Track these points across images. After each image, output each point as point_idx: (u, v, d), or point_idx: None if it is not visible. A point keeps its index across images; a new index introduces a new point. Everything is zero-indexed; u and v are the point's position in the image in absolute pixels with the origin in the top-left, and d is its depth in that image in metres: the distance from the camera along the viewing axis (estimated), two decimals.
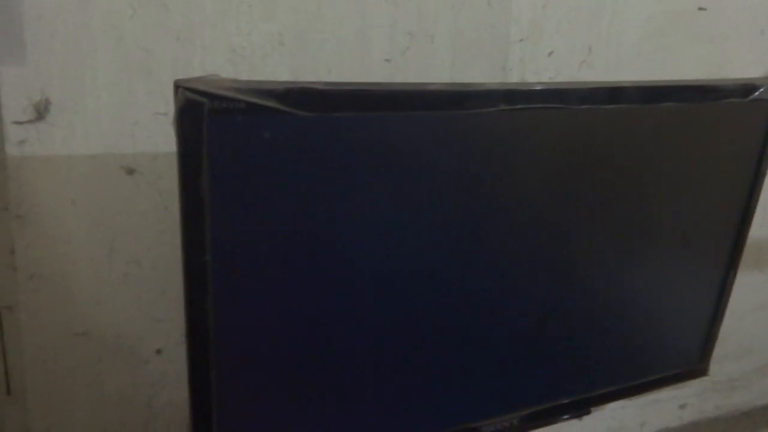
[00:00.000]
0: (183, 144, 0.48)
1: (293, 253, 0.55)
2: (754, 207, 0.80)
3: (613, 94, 0.63)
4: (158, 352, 0.78)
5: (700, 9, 0.96)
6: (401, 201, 0.58)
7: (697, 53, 1.00)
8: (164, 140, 0.71)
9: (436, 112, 0.55)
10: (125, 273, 0.74)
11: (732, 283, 0.85)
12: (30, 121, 0.66)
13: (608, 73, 0.94)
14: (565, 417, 0.82)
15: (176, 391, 0.79)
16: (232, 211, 0.51)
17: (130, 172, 0.71)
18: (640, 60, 0.95)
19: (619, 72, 0.95)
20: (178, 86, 0.46)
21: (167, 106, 0.69)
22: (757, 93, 0.71)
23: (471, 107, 0.56)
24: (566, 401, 0.81)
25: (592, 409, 0.92)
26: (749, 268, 1.20)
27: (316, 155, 0.52)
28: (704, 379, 1.24)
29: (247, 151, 0.50)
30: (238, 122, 0.49)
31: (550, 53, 0.89)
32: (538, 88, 0.59)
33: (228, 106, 0.48)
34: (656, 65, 0.97)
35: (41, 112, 0.66)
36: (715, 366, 1.23)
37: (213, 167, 0.49)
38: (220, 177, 0.50)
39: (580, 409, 0.82)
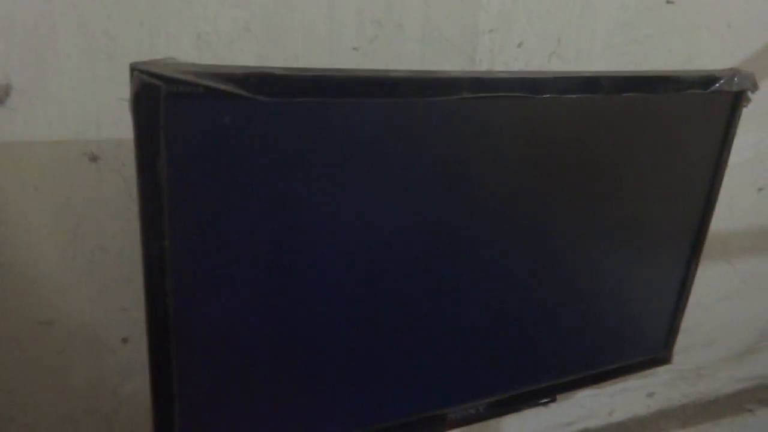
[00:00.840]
0: (140, 129, 0.48)
1: (252, 239, 0.55)
2: (716, 197, 0.82)
3: (576, 84, 0.64)
4: (124, 341, 0.78)
5: (668, 2, 0.98)
6: (363, 188, 0.58)
7: (666, 46, 1.01)
8: (128, 127, 0.69)
9: (399, 100, 0.56)
10: (90, 261, 0.73)
11: (694, 273, 0.86)
12: None
13: (578, 65, 0.94)
14: (531, 404, 0.83)
15: (142, 381, 0.79)
16: (191, 197, 0.51)
17: (94, 158, 0.70)
18: (610, 52, 0.96)
19: (589, 64, 0.95)
20: (134, 69, 0.46)
21: None
22: (717, 84, 0.72)
23: (434, 95, 0.57)
24: (532, 389, 0.82)
25: (560, 396, 0.93)
26: (715, 260, 1.22)
27: (276, 141, 0.52)
28: (672, 368, 1.27)
29: (205, 137, 0.50)
30: (196, 107, 0.48)
31: (520, 44, 0.89)
32: (501, 76, 0.60)
33: (185, 91, 0.47)
34: (626, 58, 0.98)
35: (1, 97, 0.65)
36: (682, 355, 1.26)
37: (171, 152, 0.49)
38: (179, 162, 0.49)
39: (546, 396, 0.83)
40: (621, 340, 0.88)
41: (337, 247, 0.59)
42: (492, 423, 1.13)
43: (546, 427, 1.19)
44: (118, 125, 0.70)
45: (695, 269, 0.86)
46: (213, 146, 0.50)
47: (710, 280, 1.22)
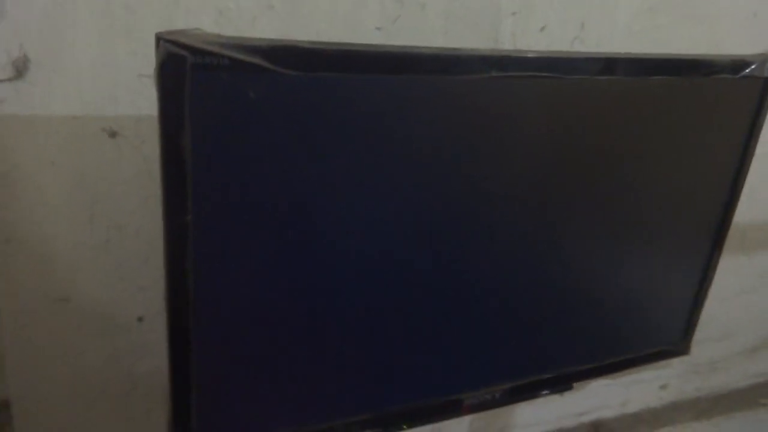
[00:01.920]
0: (164, 100, 0.47)
1: (276, 215, 0.54)
2: (741, 187, 0.80)
3: (605, 65, 0.63)
4: (140, 320, 0.77)
5: None
6: (386, 165, 0.57)
7: (689, 33, 0.99)
8: (148, 103, 0.69)
9: (425, 77, 0.54)
10: (107, 239, 0.73)
11: (716, 263, 0.85)
12: (9, 80, 0.64)
13: (600, 50, 0.93)
14: (547, 392, 0.82)
15: (157, 360, 0.78)
16: (214, 170, 0.50)
17: (113, 134, 0.69)
18: (633, 38, 0.95)
19: (611, 49, 0.94)
20: (159, 39, 0.45)
21: (150, 67, 0.67)
22: (748, 70, 0.70)
23: (462, 73, 0.55)
24: (548, 376, 0.81)
25: (575, 384, 0.92)
26: (733, 252, 1.21)
27: (301, 116, 0.51)
28: (686, 360, 1.26)
29: (230, 110, 0.49)
30: (221, 79, 0.48)
31: (542, 28, 0.88)
32: (530, 55, 0.59)
33: (211, 62, 0.46)
34: (648, 44, 0.96)
35: (20, 70, 0.64)
36: (697, 348, 1.24)
37: (195, 125, 0.48)
38: (203, 135, 0.48)
39: (562, 384, 0.82)
40: (639, 330, 0.87)
41: (358, 225, 0.58)
42: (505, 412, 1.12)
43: (559, 416, 1.18)
44: (138, 101, 0.69)
45: (717, 260, 0.85)
46: (238, 119, 0.50)
47: (727, 273, 1.20)
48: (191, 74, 0.46)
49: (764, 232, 1.22)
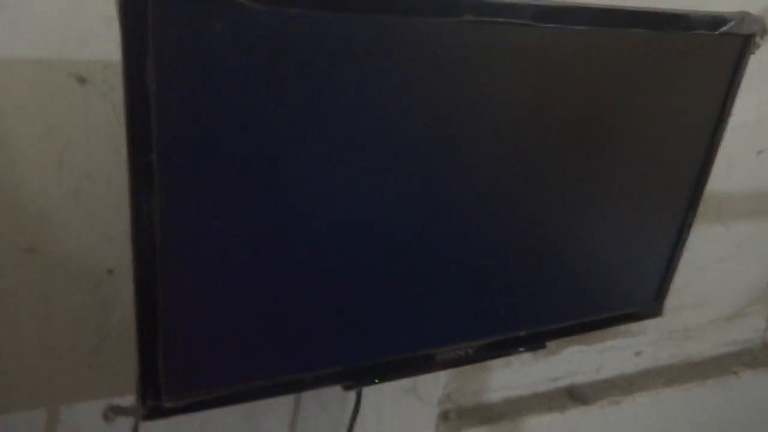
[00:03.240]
0: (126, 35, 0.46)
1: (244, 155, 0.53)
2: (717, 147, 0.80)
3: (581, 14, 0.62)
4: (110, 272, 0.76)
5: None
6: (355, 108, 0.56)
7: None
8: (117, 48, 0.67)
9: (398, 18, 0.53)
10: (76, 188, 0.71)
11: (690, 224, 0.85)
12: None
13: None
14: (521, 349, 0.82)
15: (128, 313, 0.77)
16: (179, 107, 0.49)
17: (81, 80, 0.68)
18: None
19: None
20: None
21: None
22: (726, 26, 0.70)
23: (436, 15, 0.54)
24: (522, 334, 0.81)
25: (548, 352, 0.93)
26: (710, 221, 1.21)
27: (269, 52, 0.50)
28: (660, 328, 1.28)
29: (195, 44, 0.48)
30: (185, 11, 0.46)
31: None
32: (507, 1, 0.58)
33: None
34: (632, 1, 0.95)
35: None
36: (671, 316, 1.26)
37: (159, 59, 0.47)
38: (167, 70, 0.47)
39: (535, 342, 0.83)
40: (613, 291, 0.87)
41: (328, 171, 0.57)
42: (480, 374, 1.13)
43: (534, 381, 1.20)
44: (107, 46, 0.67)
45: (691, 222, 0.85)
46: (203, 55, 0.48)
47: (704, 242, 1.22)
48: (154, 7, 0.45)
49: (741, 202, 1.23)
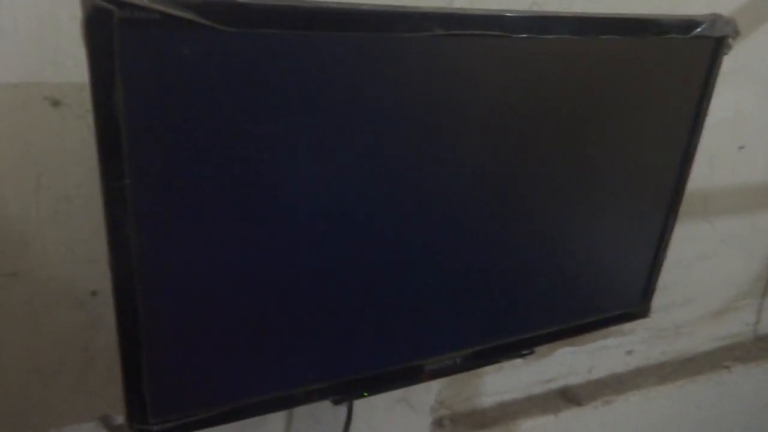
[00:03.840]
0: (93, 58, 0.45)
1: (215, 176, 0.53)
2: (695, 147, 0.81)
3: (553, 23, 0.62)
4: (93, 294, 0.76)
5: None
6: (327, 126, 0.56)
7: None
8: None
9: (367, 34, 0.54)
10: (55, 211, 0.71)
11: (673, 225, 0.86)
12: None
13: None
14: (509, 356, 0.83)
15: (114, 334, 0.77)
16: (149, 131, 0.49)
17: (56, 103, 0.67)
18: (593, 1, 0.94)
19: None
20: None
21: None
22: (699, 29, 0.70)
23: (405, 30, 0.54)
24: (510, 340, 0.81)
25: (539, 354, 0.93)
26: (695, 219, 1.22)
27: (237, 74, 0.50)
28: (650, 326, 1.28)
29: (163, 68, 0.48)
30: (152, 36, 0.46)
31: None
32: (476, 13, 0.58)
33: (141, 17, 0.45)
34: (608, 7, 0.96)
35: None
36: (660, 314, 1.27)
37: (127, 84, 0.46)
38: (135, 95, 0.47)
39: (524, 348, 0.83)
40: (599, 293, 0.87)
41: (304, 188, 0.57)
42: (472, 380, 1.13)
43: (527, 384, 1.20)
44: (81, 68, 0.66)
45: (674, 222, 0.86)
46: (172, 78, 0.48)
47: (689, 239, 1.22)
48: (119, 30, 0.45)
49: (724, 197, 1.24)
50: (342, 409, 0.93)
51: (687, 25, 0.70)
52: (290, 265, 0.62)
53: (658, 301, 0.93)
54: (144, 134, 0.49)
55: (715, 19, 0.71)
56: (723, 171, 1.21)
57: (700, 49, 0.74)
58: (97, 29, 0.44)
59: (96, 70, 0.45)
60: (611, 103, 0.72)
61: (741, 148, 1.20)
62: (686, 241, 1.21)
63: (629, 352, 1.30)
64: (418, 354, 0.75)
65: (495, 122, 0.66)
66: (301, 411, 0.95)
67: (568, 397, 1.22)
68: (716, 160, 1.19)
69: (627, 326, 1.25)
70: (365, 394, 0.74)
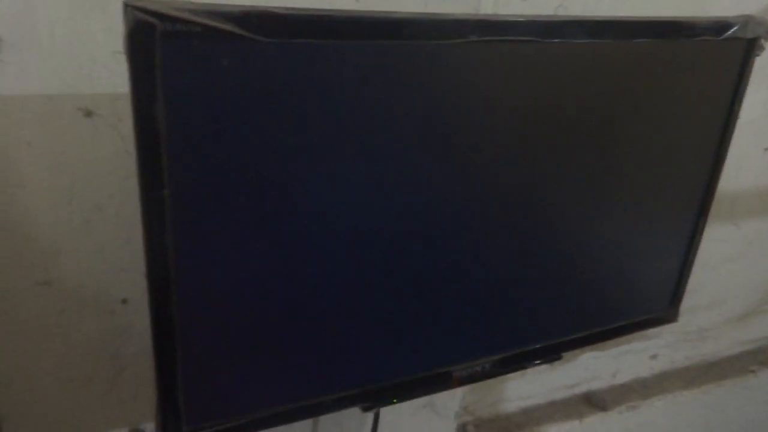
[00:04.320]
0: (135, 70, 0.46)
1: (254, 186, 0.53)
2: (726, 151, 0.80)
3: (585, 28, 0.62)
4: (124, 302, 0.76)
5: None
6: (365, 133, 0.56)
7: None
8: (124, 81, 0.67)
9: (403, 42, 0.53)
10: (87, 220, 0.72)
11: (702, 229, 0.85)
12: None
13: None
14: (537, 362, 0.82)
15: (144, 342, 0.77)
16: (189, 142, 0.49)
17: (89, 114, 0.68)
18: (617, 3, 0.94)
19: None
20: (127, 6, 0.44)
21: None
22: (731, 31, 0.70)
23: (441, 38, 0.54)
24: (537, 346, 0.81)
25: (564, 359, 0.92)
26: (721, 221, 1.21)
27: (276, 83, 0.50)
28: (675, 330, 1.27)
29: (203, 78, 0.48)
30: (193, 47, 0.46)
31: None
32: (510, 19, 0.58)
33: (182, 29, 0.45)
34: (634, 9, 0.95)
35: None
36: (686, 317, 1.26)
37: (168, 95, 0.47)
38: (176, 105, 0.47)
39: (551, 354, 0.82)
40: (627, 299, 0.87)
41: (340, 196, 0.57)
42: (496, 386, 1.13)
43: (551, 389, 1.19)
44: (113, 79, 0.68)
45: (703, 225, 0.85)
46: (211, 88, 0.49)
47: (716, 242, 1.21)
48: (161, 43, 0.45)
49: (750, 200, 1.22)
50: (367, 416, 0.93)
51: (719, 26, 0.70)
52: (324, 274, 0.62)
53: (683, 304, 0.93)
54: (183, 145, 0.49)
55: (747, 20, 0.71)
56: (749, 173, 1.19)
57: (733, 51, 0.73)
58: (140, 42, 0.44)
59: (138, 82, 0.46)
60: (643, 105, 0.72)
61: (767, 149, 1.19)
62: (712, 243, 1.20)
63: (654, 357, 1.29)
64: (447, 361, 0.75)
65: (527, 126, 0.65)
66: (326, 418, 0.95)
67: (593, 402, 1.22)
68: (742, 161, 1.18)
69: (651, 331, 1.24)
70: (394, 401, 0.74)
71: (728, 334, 1.35)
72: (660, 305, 0.91)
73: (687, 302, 1.21)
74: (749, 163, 1.19)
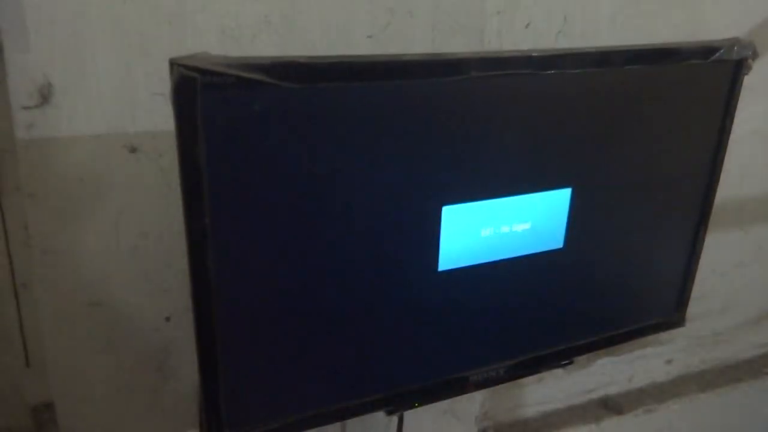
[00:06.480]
0: (180, 117, 0.53)
1: (286, 212, 0.60)
2: (721, 163, 0.85)
3: (578, 59, 0.68)
4: (167, 319, 0.83)
5: None
6: (385, 164, 0.63)
7: (672, 19, 1.03)
8: (163, 119, 0.75)
9: (411, 81, 0.60)
10: (133, 247, 0.79)
11: (704, 237, 0.89)
12: (36, 106, 0.71)
13: (585, 42, 0.97)
14: (549, 366, 0.87)
15: (185, 355, 0.85)
16: (228, 177, 0.56)
17: (133, 150, 0.76)
18: (616, 28, 0.99)
19: (595, 41, 0.98)
20: (173, 63, 0.51)
21: (164, 86, 0.73)
22: (717, 54, 0.75)
23: (444, 75, 0.61)
24: (550, 351, 0.86)
25: (580, 364, 0.96)
26: (729, 227, 1.24)
27: (303, 123, 0.57)
28: (689, 334, 1.30)
29: (238, 122, 0.55)
30: (229, 95, 0.54)
31: (527, 25, 0.93)
32: (506, 55, 0.64)
33: (219, 81, 0.52)
34: (631, 33, 1.00)
35: (46, 96, 0.71)
36: (699, 322, 1.29)
37: (208, 137, 0.54)
38: (215, 146, 0.55)
39: (563, 358, 0.87)
40: (635, 303, 0.92)
41: (364, 220, 0.64)
42: (515, 391, 1.18)
43: (567, 394, 1.23)
44: (153, 118, 0.75)
45: (704, 231, 0.89)
46: (245, 130, 0.56)
47: (725, 247, 1.24)
48: (202, 93, 0.52)
49: (757, 205, 1.26)
50: (392, 421, 0.99)
51: (706, 50, 0.75)
52: (351, 293, 0.68)
53: (695, 309, 0.96)
54: (221, 179, 0.56)
55: (733, 43, 0.76)
56: (754, 180, 1.23)
57: (721, 72, 0.78)
58: (184, 93, 0.52)
59: (182, 127, 0.53)
60: (640, 125, 0.77)
61: None
62: (722, 249, 1.23)
63: (669, 361, 1.32)
64: (463, 366, 0.81)
65: (532, 148, 0.71)
66: (354, 422, 1.01)
67: (609, 406, 1.25)
68: (748, 169, 1.21)
69: (665, 335, 1.28)
70: (416, 405, 0.80)
71: (742, 337, 1.38)
72: (668, 310, 0.95)
73: (699, 307, 1.25)
74: (755, 170, 1.23)
